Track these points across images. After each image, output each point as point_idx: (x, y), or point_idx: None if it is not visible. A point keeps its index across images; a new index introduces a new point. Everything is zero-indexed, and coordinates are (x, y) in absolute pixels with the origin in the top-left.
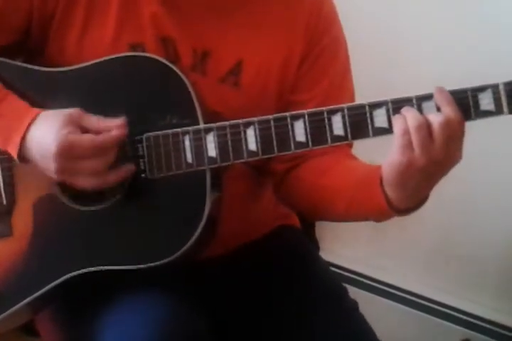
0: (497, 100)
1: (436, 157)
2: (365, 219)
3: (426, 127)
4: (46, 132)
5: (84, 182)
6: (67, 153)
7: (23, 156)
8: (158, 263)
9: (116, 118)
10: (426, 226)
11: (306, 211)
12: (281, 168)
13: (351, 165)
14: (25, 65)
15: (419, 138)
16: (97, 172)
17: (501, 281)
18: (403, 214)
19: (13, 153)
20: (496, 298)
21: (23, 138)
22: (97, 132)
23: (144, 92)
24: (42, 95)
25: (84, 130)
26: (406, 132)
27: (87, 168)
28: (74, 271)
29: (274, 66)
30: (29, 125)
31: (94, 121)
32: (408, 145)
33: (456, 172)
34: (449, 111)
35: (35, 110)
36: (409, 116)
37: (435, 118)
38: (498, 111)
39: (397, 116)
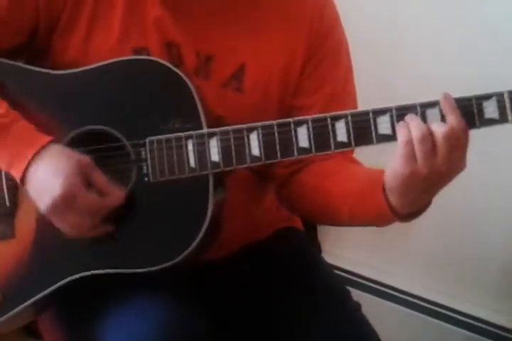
0: (502, 108)
1: (440, 167)
2: (368, 224)
3: (429, 138)
4: (53, 172)
5: (65, 229)
6: (67, 202)
7: (24, 182)
8: (160, 266)
9: (118, 189)
10: (428, 229)
11: (308, 215)
12: (283, 173)
13: (354, 170)
14: (27, 66)
15: (422, 149)
16: (81, 227)
17: (503, 283)
18: (405, 220)
19: (16, 177)
20: (498, 300)
21: (27, 167)
22: (100, 192)
23: (147, 96)
24: (45, 98)
25: (89, 184)
26: (409, 143)
27: (76, 220)
28: (76, 273)
29: (277, 70)
30: (35, 154)
31: (101, 178)
32: (411, 155)
33: (459, 178)
34: (453, 119)
35: (44, 139)
36: (412, 125)
37: (438, 129)
38: (502, 119)
39: (400, 124)
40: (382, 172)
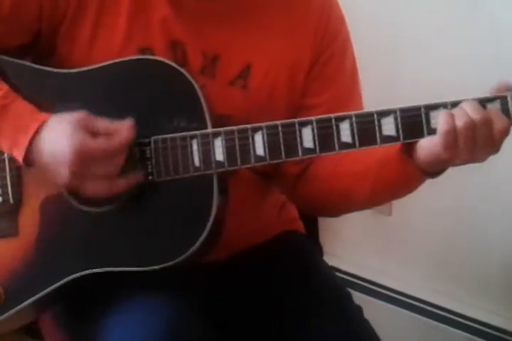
0: (505, 111)
1: (479, 152)
2: (393, 194)
3: (473, 126)
4: (57, 137)
5: (94, 187)
6: (82, 158)
7: (30, 160)
8: (163, 265)
9: (123, 121)
10: (429, 232)
11: (328, 206)
12: (294, 170)
13: (365, 151)
14: (33, 65)
15: (466, 137)
16: (110, 177)
17: (504, 286)
18: (431, 177)
19: (19, 155)
20: (499, 303)
21: (31, 142)
22: (107, 135)
23: (152, 95)
24: (50, 96)
25: (94, 133)
26: (453, 130)
27: (100, 172)
28: (78, 271)
29: (283, 70)
30: (37, 129)
31: (102, 124)
32: (454, 143)
33: (456, 177)
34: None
35: (43, 115)
36: (456, 114)
37: (495, 118)
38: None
39: (445, 112)
40: (396, 146)
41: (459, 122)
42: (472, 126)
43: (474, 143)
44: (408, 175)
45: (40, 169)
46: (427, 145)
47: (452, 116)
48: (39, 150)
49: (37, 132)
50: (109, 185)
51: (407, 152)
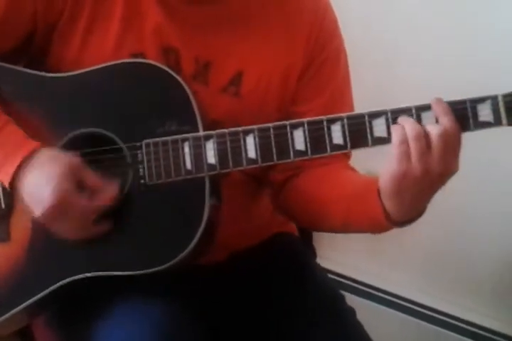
0: (496, 111)
1: (433, 167)
2: (362, 231)
3: (424, 137)
4: (44, 178)
5: (60, 233)
6: (59, 209)
7: (14, 186)
8: (155, 269)
9: (112, 188)
10: (423, 234)
11: (303, 222)
12: (279, 178)
13: (349, 177)
14: (25, 69)
15: (416, 148)
16: (81, 228)
17: (498, 289)
18: (399, 226)
19: (5, 181)
20: (493, 305)
21: (17, 171)
22: (93, 191)
23: (143, 98)
24: (41, 100)
25: (81, 185)
26: (404, 141)
27: (71, 224)
28: (71, 276)
29: (275, 77)
30: (24, 159)
31: (91, 179)
32: (406, 154)
33: (451, 180)
34: (446, 121)
35: (33, 143)
36: (407, 125)
37: (433, 129)
38: (496, 122)
39: (395, 125)
40: (377, 179)
41: (410, 132)
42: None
43: (423, 155)
44: (374, 216)
45: (21, 195)
46: (384, 169)
47: (401, 128)
48: (24, 180)
49: (24, 162)
50: (80, 233)
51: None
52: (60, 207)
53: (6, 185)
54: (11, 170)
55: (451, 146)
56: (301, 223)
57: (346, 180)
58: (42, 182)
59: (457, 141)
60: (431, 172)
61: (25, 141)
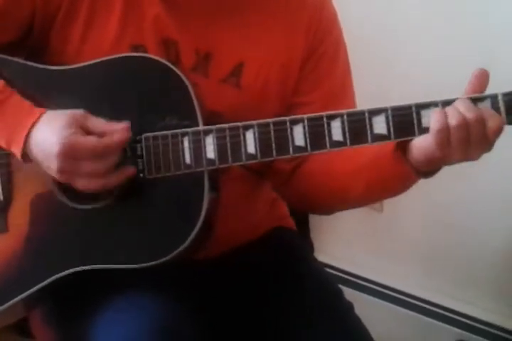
0: (496, 110)
1: (472, 153)
2: (388, 192)
3: (466, 124)
4: (49, 132)
5: (85, 183)
6: (69, 154)
7: (27, 156)
8: (153, 262)
9: (120, 122)
10: (421, 228)
11: (322, 203)
12: (287, 167)
13: (358, 149)
14: (25, 62)
15: (459, 135)
16: (98, 175)
17: (496, 282)
18: (426, 176)
19: (17, 152)
20: (491, 298)
21: (27, 139)
22: (101, 134)
23: (143, 92)
24: (41, 93)
25: (88, 132)
26: (445, 128)
27: (88, 169)
28: (68, 269)
29: (275, 68)
30: (32, 125)
31: (98, 123)
32: (447, 141)
33: (447, 174)
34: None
35: (39, 110)
36: (449, 113)
37: (489, 116)
38: None
39: (437, 110)
40: (390, 143)
41: (452, 121)
42: (465, 125)
43: (467, 142)
44: (402, 174)
45: (36, 164)
46: (420, 145)
47: (445, 115)
48: (33, 145)
49: (33, 127)
50: (97, 182)
51: (400, 151)
52: (69, 152)
53: (19, 155)
54: (20, 140)
55: (491, 132)
56: (315, 206)
57: (357, 152)
58: (48, 138)
59: (498, 127)
60: (469, 155)
61: (29, 110)
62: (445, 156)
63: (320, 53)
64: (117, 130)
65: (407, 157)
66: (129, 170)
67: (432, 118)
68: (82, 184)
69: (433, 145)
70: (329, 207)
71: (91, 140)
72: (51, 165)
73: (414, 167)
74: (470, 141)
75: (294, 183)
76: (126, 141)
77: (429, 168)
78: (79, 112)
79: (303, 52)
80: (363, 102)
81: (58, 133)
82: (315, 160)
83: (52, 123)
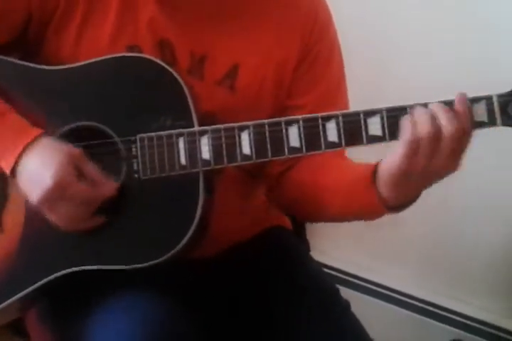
0: (490, 111)
1: (439, 166)
2: (357, 218)
3: (437, 137)
4: (42, 163)
5: (58, 220)
6: (57, 193)
7: (15, 172)
8: (149, 263)
9: (110, 180)
10: (418, 227)
11: (299, 212)
12: (275, 171)
13: (344, 165)
14: (20, 62)
15: (429, 147)
16: (74, 219)
17: (492, 281)
18: (394, 212)
19: (6, 169)
20: (487, 298)
21: (19, 158)
22: (92, 183)
23: (138, 93)
24: (36, 92)
25: (80, 174)
26: (415, 141)
27: (68, 211)
28: (63, 269)
29: (270, 70)
30: (26, 146)
31: (92, 169)
32: (414, 152)
33: (449, 176)
34: (465, 121)
35: (35, 131)
36: (423, 125)
37: (449, 130)
38: (491, 122)
39: (407, 121)
40: (371, 165)
41: (421, 130)
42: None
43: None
44: (370, 204)
45: (18, 180)
46: (387, 160)
47: (414, 124)
48: (24, 165)
49: (27, 148)
50: (70, 225)
51: (375, 177)
52: (59, 190)
53: (8, 171)
54: (12, 157)
55: (462, 146)
56: (297, 214)
57: (341, 169)
58: (40, 167)
59: (468, 141)
60: (435, 170)
61: (27, 128)
62: (410, 168)
63: (315, 54)
64: (108, 185)
65: (376, 183)
66: (99, 220)
67: (403, 129)
68: (55, 220)
69: (400, 156)
70: (306, 216)
71: (84, 187)
72: (34, 193)
73: (382, 198)
74: (439, 153)
75: (279, 187)
76: (112, 196)
77: (396, 194)
78: (77, 152)
79: (298, 53)
80: (357, 104)
81: (55, 169)
82: (301, 169)
83: (47, 155)
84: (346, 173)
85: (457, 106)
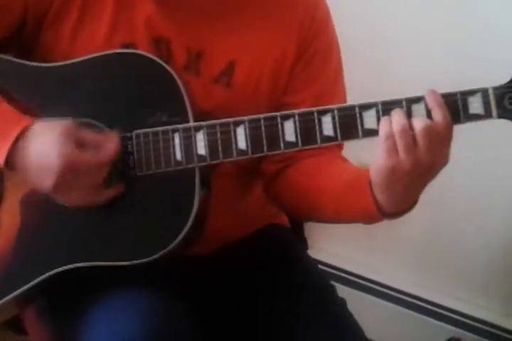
0: (486, 104)
1: (421, 160)
2: (353, 221)
3: (409, 132)
4: (47, 146)
5: (77, 198)
6: (70, 170)
7: (12, 164)
8: (145, 259)
9: (109, 132)
10: (415, 225)
11: (295, 212)
12: (272, 169)
13: (341, 168)
14: (14, 59)
15: (402, 142)
16: (94, 188)
17: (490, 280)
18: (391, 218)
19: (0, 159)
20: (485, 296)
21: (13, 148)
22: (95, 147)
23: (134, 89)
24: (31, 89)
25: (81, 143)
26: (390, 136)
27: (86, 183)
28: (59, 266)
29: (267, 67)
30: (20, 134)
31: (89, 136)
32: (393, 148)
33: (441, 172)
34: (438, 114)
35: (27, 119)
36: (394, 119)
37: (418, 123)
38: (487, 114)
39: (383, 118)
40: (368, 170)
41: (395, 126)
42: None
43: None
44: (366, 206)
45: (22, 173)
46: (375, 160)
47: (389, 121)
48: (24, 155)
49: (20, 137)
50: (93, 196)
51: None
52: (70, 170)
53: (2, 163)
54: (5, 148)
55: (439, 139)
56: (293, 213)
57: (338, 171)
58: (43, 151)
59: (448, 133)
60: (420, 165)
61: (18, 118)
62: (395, 164)
63: (312, 51)
64: (109, 141)
65: (372, 187)
66: (118, 187)
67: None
68: (74, 198)
69: (381, 154)
70: (300, 216)
71: (90, 156)
72: (47, 179)
73: (377, 202)
74: (415, 147)
75: (276, 186)
76: (119, 151)
77: (389, 197)
78: (69, 124)
79: (296, 50)
80: (354, 100)
81: (57, 149)
82: (298, 170)
83: (46, 137)
84: (343, 177)
85: (427, 98)
